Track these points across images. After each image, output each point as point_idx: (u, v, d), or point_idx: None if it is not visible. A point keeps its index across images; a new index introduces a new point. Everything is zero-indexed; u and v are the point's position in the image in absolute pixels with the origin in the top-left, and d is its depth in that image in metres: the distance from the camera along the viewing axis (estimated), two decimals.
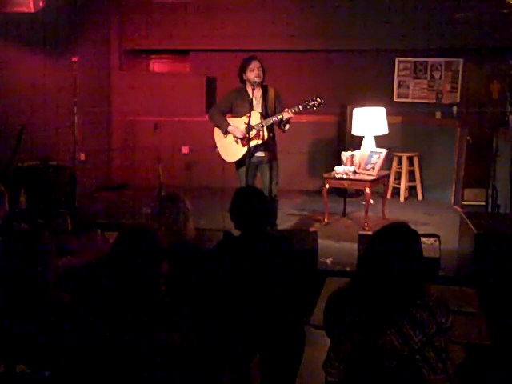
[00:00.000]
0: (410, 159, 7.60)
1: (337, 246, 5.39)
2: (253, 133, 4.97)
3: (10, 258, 2.41)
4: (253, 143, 5.01)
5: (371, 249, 2.18)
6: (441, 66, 7.83)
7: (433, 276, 3.78)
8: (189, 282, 2.74)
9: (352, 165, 6.15)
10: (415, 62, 7.93)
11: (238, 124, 5.06)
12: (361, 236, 4.14)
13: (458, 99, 7.76)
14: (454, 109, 7.73)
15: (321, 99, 4.97)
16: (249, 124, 4.86)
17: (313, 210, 6.84)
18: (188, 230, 3.06)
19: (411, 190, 7.77)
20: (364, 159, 6.17)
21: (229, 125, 5.10)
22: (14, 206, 4.41)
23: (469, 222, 4.38)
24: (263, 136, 5.02)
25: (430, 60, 7.86)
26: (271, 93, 5.11)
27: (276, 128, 5.15)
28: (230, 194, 3.03)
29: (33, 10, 7.20)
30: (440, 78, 7.84)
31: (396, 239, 2.14)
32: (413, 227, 2.22)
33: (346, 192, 6.63)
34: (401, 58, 7.96)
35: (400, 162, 7.62)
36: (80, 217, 5.97)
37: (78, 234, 4.19)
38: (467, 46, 7.41)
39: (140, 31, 8.32)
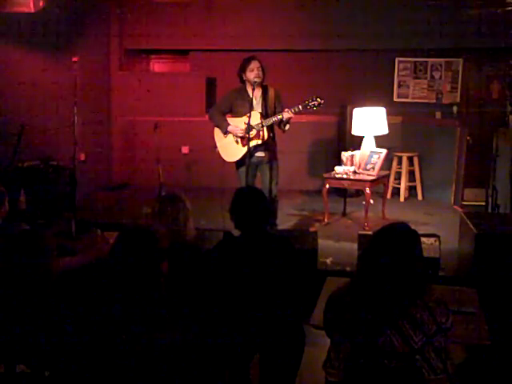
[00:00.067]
0: (410, 159, 7.60)
1: (337, 246, 5.38)
2: (253, 133, 4.97)
3: (10, 258, 2.41)
4: (253, 143, 5.01)
5: (371, 249, 2.18)
6: (441, 66, 7.84)
7: (433, 276, 3.78)
8: (189, 282, 2.74)
9: (352, 165, 6.15)
10: (415, 61, 7.93)
11: (237, 124, 5.06)
12: (361, 236, 4.14)
13: (458, 99, 7.76)
14: (454, 109, 7.73)
15: (321, 99, 4.97)
16: (249, 124, 4.86)
17: (313, 210, 6.84)
18: (188, 229, 3.06)
19: (411, 190, 7.77)
20: (364, 159, 6.17)
21: (229, 125, 5.10)
22: (14, 206, 4.40)
23: (469, 222, 4.38)
24: (263, 136, 5.02)
25: (430, 60, 7.86)
26: (271, 93, 5.11)
27: (276, 128, 5.15)
28: (230, 194, 3.03)
29: (33, 10, 7.21)
30: (440, 78, 7.84)
31: (396, 239, 2.14)
32: (413, 227, 2.22)
33: (346, 192, 6.63)
34: (401, 58, 7.96)
35: (400, 162, 7.61)
36: (80, 217, 5.97)
37: (78, 234, 4.19)
38: (467, 46, 7.41)
39: (140, 31, 8.31)
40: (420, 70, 7.91)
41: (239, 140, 5.11)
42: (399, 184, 7.58)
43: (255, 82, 4.93)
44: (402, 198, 7.54)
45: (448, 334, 2.07)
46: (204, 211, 5.87)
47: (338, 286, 2.28)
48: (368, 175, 6.03)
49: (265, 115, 5.02)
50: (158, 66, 9.10)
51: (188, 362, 2.23)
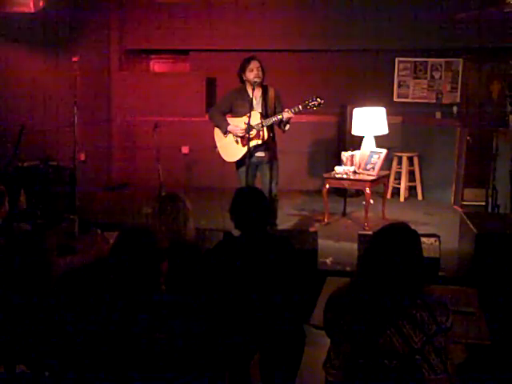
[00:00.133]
0: (410, 159, 7.60)
1: (337, 246, 5.38)
2: (253, 133, 4.97)
3: (11, 258, 2.41)
4: (253, 143, 5.01)
5: (371, 249, 2.18)
6: (441, 66, 7.83)
7: (433, 276, 3.78)
8: (189, 282, 2.74)
9: (352, 165, 6.15)
10: (415, 61, 7.93)
11: (237, 124, 5.06)
12: (361, 236, 4.13)
13: (458, 99, 7.76)
14: (454, 109, 7.73)
15: (321, 99, 4.97)
16: (249, 124, 4.86)
17: (313, 210, 6.84)
18: (188, 230, 3.06)
19: (411, 190, 7.77)
20: (364, 159, 6.17)
21: (229, 125, 5.10)
22: (14, 206, 4.40)
23: (469, 222, 4.38)
24: (263, 136, 5.02)
25: (430, 60, 7.86)
26: (271, 93, 5.11)
27: (276, 128, 5.15)
28: (230, 194, 3.03)
29: (33, 10, 7.21)
30: (440, 78, 7.84)
31: (396, 239, 2.14)
32: (413, 227, 2.22)
33: (346, 192, 6.63)
34: (401, 58, 7.95)
35: (400, 162, 7.61)
36: (80, 217, 5.96)
37: (78, 234, 4.19)
38: (467, 46, 7.41)
39: (140, 31, 8.32)
40: (420, 70, 7.91)
41: (239, 140, 5.11)
42: (399, 184, 7.58)
43: (255, 82, 4.93)
44: (402, 198, 7.54)
45: (448, 333, 2.07)
46: (204, 211, 5.87)
47: (338, 286, 2.28)
48: (368, 175, 6.03)
49: (265, 115, 5.02)
50: (157, 65, 9.10)
51: (188, 362, 2.23)
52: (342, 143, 7.56)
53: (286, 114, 4.92)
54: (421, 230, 2.52)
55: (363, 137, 6.57)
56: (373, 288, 2.10)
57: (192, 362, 2.25)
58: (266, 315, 2.75)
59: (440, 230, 4.81)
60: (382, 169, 6.16)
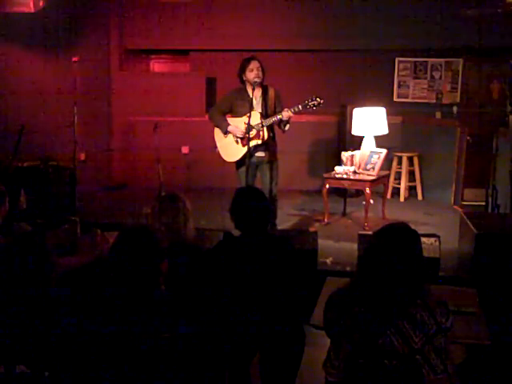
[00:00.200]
0: (410, 159, 7.60)
1: (337, 246, 5.39)
2: (253, 133, 4.97)
3: (12, 258, 2.41)
4: (253, 143, 5.01)
5: (371, 249, 2.18)
6: (441, 66, 7.83)
7: (433, 276, 3.78)
8: (189, 282, 2.74)
9: (352, 165, 6.15)
10: (415, 61, 7.93)
11: (237, 124, 5.06)
12: (361, 236, 4.14)
13: (458, 99, 7.75)
14: (454, 109, 7.73)
15: (320, 99, 4.97)
16: (249, 124, 4.86)
17: (313, 210, 6.84)
18: (188, 230, 3.06)
19: (411, 189, 7.77)
20: (364, 159, 6.17)
21: (229, 125, 5.10)
22: (14, 206, 4.41)
23: (469, 222, 4.38)
24: (263, 136, 5.02)
25: (430, 60, 7.86)
26: (271, 93, 5.11)
27: (276, 128, 5.15)
28: (230, 194, 3.03)
29: (33, 10, 7.22)
30: (440, 78, 7.84)
31: (396, 239, 2.14)
32: (413, 227, 2.22)
33: (346, 192, 6.63)
34: (401, 58, 7.95)
35: (400, 162, 7.61)
36: (80, 217, 5.96)
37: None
38: (467, 46, 7.41)
39: (140, 31, 8.31)
40: (420, 70, 7.91)
41: (239, 140, 5.10)
42: (399, 184, 7.58)
43: (255, 82, 4.93)
44: (402, 198, 7.54)
45: (448, 334, 2.07)
46: (204, 211, 5.87)
47: (338, 286, 2.28)
48: (368, 175, 6.03)
49: (265, 115, 5.02)
50: (158, 65, 9.09)
51: (188, 362, 2.23)
52: (341, 143, 7.56)
53: (286, 114, 4.92)
54: (421, 230, 2.52)
55: (363, 137, 6.58)
56: (373, 288, 2.10)
57: (192, 361, 2.25)
58: (266, 315, 2.75)
59: (440, 230, 4.81)
60: (382, 169, 6.16)
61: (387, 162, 6.97)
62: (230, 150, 5.17)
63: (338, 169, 6.15)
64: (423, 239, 3.29)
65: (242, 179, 5.06)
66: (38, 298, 2.38)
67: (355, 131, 6.72)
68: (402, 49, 7.75)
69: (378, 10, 7.49)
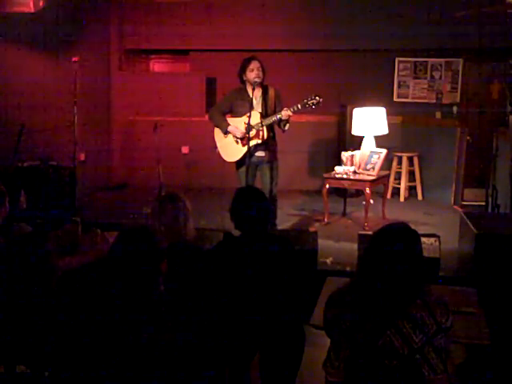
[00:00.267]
0: (410, 159, 7.60)
1: (337, 246, 5.38)
2: (253, 132, 4.97)
3: (12, 259, 2.41)
4: (253, 143, 5.01)
5: (371, 249, 2.17)
6: (441, 66, 7.84)
7: (433, 276, 3.78)
8: (188, 282, 2.74)
9: (352, 165, 6.15)
10: (415, 61, 7.93)
11: (237, 124, 5.06)
12: (361, 236, 4.14)
13: (458, 99, 7.76)
14: (454, 109, 7.74)
15: (319, 97, 4.97)
16: (249, 124, 4.86)
17: (313, 210, 6.84)
18: (188, 230, 3.06)
19: (411, 189, 7.77)
20: (364, 159, 6.17)
21: (229, 125, 5.10)
22: (14, 206, 4.41)
23: (469, 222, 4.38)
24: (263, 136, 5.02)
25: (430, 60, 7.86)
26: (271, 93, 5.11)
27: (276, 128, 5.15)
28: (230, 194, 3.03)
29: (33, 10, 7.21)
30: (440, 78, 7.84)
31: (396, 239, 2.14)
32: (413, 227, 2.22)
33: (346, 192, 6.63)
34: (401, 58, 7.96)
35: (400, 162, 7.61)
36: (80, 217, 5.96)
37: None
38: (467, 46, 7.41)
39: (140, 31, 8.31)
40: (420, 70, 7.91)
41: (239, 140, 5.10)
42: (399, 184, 7.58)
43: (255, 82, 4.93)
44: (402, 198, 7.54)
45: (448, 333, 2.07)
46: (204, 211, 5.87)
47: (337, 286, 2.28)
48: (368, 175, 6.03)
49: (265, 115, 5.02)
50: (158, 65, 9.10)
51: (188, 362, 2.23)
52: (341, 143, 7.56)
53: (285, 113, 4.91)
54: (421, 230, 2.52)
55: (363, 137, 6.58)
56: (373, 288, 2.10)
57: (192, 361, 2.25)
58: (266, 315, 2.75)
59: (440, 230, 4.81)
60: (382, 169, 6.16)
61: (387, 162, 6.97)
62: (230, 149, 5.17)
63: (338, 169, 6.15)
64: (423, 239, 3.30)
65: (242, 179, 5.06)
66: (38, 298, 2.38)
67: (355, 131, 6.72)
68: (402, 49, 7.76)
69: (378, 10, 7.49)
